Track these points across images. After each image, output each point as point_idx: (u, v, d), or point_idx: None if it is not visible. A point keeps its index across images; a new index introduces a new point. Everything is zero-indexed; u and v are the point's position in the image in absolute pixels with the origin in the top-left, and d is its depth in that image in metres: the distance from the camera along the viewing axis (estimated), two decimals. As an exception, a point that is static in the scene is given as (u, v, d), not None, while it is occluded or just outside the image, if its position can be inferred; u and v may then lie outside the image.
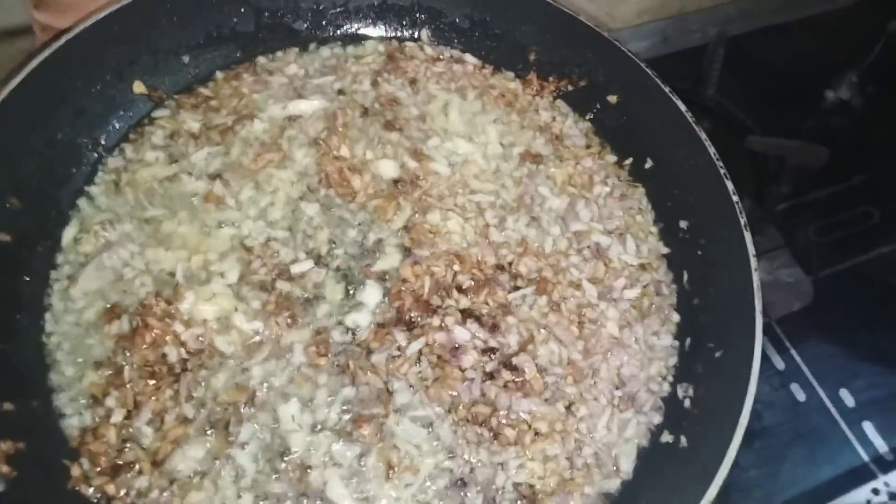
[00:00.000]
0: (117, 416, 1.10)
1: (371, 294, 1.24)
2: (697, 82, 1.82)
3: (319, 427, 1.13)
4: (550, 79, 1.52)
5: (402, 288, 1.24)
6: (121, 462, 1.08)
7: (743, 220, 1.23)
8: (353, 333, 1.21)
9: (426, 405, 1.15)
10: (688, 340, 1.27)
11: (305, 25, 1.52)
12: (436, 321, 1.21)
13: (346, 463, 1.11)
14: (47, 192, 1.25)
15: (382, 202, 1.32)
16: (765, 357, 1.48)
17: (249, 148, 1.36)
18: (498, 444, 1.14)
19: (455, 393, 1.16)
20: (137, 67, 1.37)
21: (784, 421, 1.46)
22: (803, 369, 1.52)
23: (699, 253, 1.32)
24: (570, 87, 1.51)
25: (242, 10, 1.45)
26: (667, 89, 1.36)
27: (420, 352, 1.19)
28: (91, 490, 1.06)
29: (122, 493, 1.06)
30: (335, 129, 1.39)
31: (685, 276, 1.33)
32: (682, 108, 1.34)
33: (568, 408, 1.18)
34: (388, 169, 1.37)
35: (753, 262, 1.20)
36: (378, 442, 1.13)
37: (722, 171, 1.28)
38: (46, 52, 1.22)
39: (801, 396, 1.48)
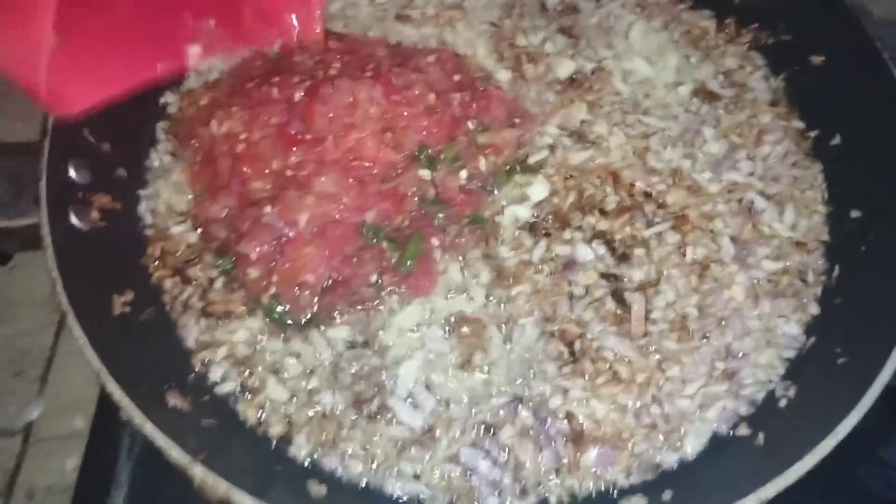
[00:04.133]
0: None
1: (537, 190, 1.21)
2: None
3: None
4: (752, 26, 1.36)
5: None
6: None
7: (925, 223, 1.04)
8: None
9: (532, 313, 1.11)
10: (812, 339, 1.11)
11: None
12: (567, 235, 1.17)
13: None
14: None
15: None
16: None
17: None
18: (571, 370, 1.06)
19: (555, 302, 1.11)
20: None
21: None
22: None
23: (863, 249, 1.14)
24: (770, 41, 1.35)
25: None
26: (885, 55, 1.16)
27: (540, 258, 1.15)
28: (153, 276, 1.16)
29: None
30: (509, 15, 1.37)
31: (836, 271, 1.15)
32: (899, 81, 1.15)
33: (660, 364, 1.07)
34: (565, 67, 1.32)
35: (923, 273, 1.01)
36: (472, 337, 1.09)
37: (920, 164, 1.09)
38: None
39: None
